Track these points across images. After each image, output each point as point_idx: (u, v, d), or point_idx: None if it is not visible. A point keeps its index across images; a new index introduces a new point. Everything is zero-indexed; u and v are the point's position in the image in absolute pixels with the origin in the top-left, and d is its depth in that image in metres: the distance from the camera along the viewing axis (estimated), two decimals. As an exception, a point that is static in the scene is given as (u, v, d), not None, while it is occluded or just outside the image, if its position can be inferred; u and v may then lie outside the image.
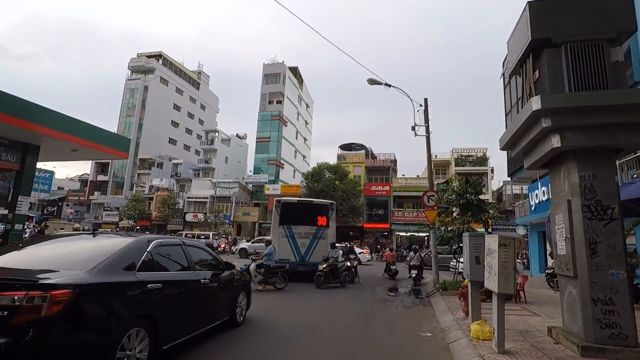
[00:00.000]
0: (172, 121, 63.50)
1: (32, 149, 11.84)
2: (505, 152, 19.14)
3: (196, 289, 4.64)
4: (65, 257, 3.69)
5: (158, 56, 64.38)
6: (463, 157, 39.44)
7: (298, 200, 15.26)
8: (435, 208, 12.15)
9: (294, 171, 55.38)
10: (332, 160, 41.48)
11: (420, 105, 13.61)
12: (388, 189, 38.35)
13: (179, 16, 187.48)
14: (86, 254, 3.66)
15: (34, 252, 4.00)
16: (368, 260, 25.05)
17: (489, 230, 11.24)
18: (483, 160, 38.65)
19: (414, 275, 13.02)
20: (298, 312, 7.72)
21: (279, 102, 52.45)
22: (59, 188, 60.47)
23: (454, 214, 11.18)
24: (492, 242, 4.76)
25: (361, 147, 44.39)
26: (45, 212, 53.12)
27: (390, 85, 13.65)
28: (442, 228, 11.79)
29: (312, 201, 14.73)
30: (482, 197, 11.33)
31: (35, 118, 10.64)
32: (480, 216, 10.65)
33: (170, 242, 4.75)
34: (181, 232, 34.39)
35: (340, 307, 8.50)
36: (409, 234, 38.15)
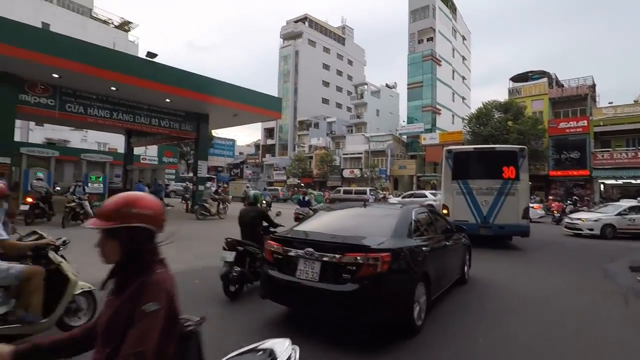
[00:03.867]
0: (322, 81, 65.25)
1: (203, 118, 12.97)
2: None
3: (444, 250, 5.03)
4: (366, 225, 4.43)
5: (304, 19, 65.94)
6: None
7: (475, 148, 12.28)
8: None
9: (453, 116, 49.39)
10: (502, 98, 34.37)
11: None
12: (586, 123, 29.51)
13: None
14: (379, 223, 4.44)
15: (339, 221, 4.88)
16: (541, 217, 20.37)
17: None
18: None
19: None
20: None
21: (430, 39, 46.43)
22: (240, 153, 71.66)
23: None
24: None
25: (542, 74, 35.22)
26: (231, 174, 64.12)
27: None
28: None
29: (494, 148, 11.58)
30: None
31: (205, 89, 11.53)
32: None
33: (422, 210, 5.22)
34: (339, 187, 35.27)
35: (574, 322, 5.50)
36: (620, 181, 28.88)
